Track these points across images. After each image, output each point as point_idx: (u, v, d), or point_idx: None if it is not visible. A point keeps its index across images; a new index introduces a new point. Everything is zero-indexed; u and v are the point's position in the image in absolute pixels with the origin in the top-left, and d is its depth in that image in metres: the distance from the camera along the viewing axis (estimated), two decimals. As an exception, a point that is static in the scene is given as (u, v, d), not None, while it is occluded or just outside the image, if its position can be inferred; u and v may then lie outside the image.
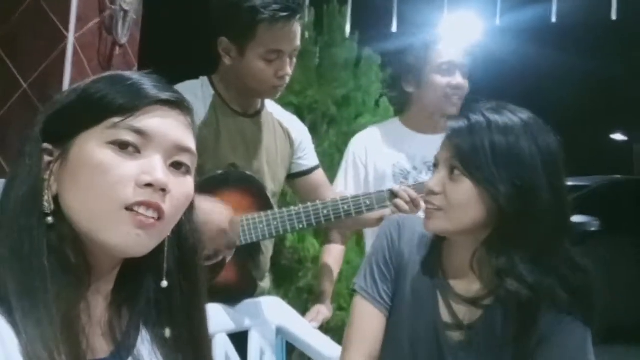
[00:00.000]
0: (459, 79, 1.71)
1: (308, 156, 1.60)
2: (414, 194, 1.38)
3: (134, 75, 0.67)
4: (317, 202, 1.39)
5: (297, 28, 1.40)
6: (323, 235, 2.00)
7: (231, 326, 1.36)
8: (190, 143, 0.67)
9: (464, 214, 0.95)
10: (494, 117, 0.96)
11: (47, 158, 0.64)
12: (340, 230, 1.82)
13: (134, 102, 0.63)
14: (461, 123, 0.97)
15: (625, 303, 4.18)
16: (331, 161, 3.04)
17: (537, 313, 0.94)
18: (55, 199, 0.63)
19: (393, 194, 1.39)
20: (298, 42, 1.42)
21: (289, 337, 1.47)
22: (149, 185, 0.61)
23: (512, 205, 0.92)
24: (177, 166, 0.66)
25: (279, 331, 1.46)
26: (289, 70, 1.42)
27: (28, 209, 0.62)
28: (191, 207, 0.70)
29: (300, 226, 1.38)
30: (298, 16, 1.38)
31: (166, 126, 0.64)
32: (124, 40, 1.74)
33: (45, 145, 0.65)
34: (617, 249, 4.44)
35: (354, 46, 3.51)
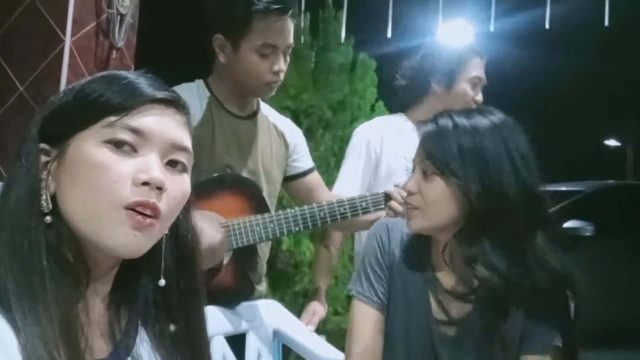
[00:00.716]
0: (480, 95, 1.81)
1: (303, 158, 1.61)
2: None
3: (129, 74, 0.67)
4: (314, 204, 1.40)
5: (291, 25, 1.41)
6: (318, 238, 2.00)
7: (229, 328, 1.36)
8: (186, 141, 0.67)
9: (439, 211, 1.02)
10: (461, 120, 1.03)
11: (44, 158, 0.64)
12: (338, 231, 1.82)
13: (130, 101, 0.63)
14: (430, 127, 1.05)
15: (619, 307, 4.19)
16: (327, 165, 3.06)
17: (510, 302, 1.00)
18: (54, 198, 0.63)
19: (388, 197, 1.40)
20: (291, 40, 1.43)
21: (285, 340, 1.47)
22: (145, 183, 0.61)
23: (481, 200, 0.98)
24: (173, 164, 0.66)
25: (276, 334, 1.46)
26: (284, 66, 1.43)
27: (26, 208, 0.62)
28: (188, 206, 0.70)
29: (297, 229, 1.38)
30: (290, 12, 1.39)
31: (162, 125, 0.64)
32: (120, 43, 1.75)
33: (42, 145, 0.65)
34: (611, 253, 4.46)
35: (349, 51, 3.53)
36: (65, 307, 0.60)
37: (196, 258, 0.72)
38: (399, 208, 1.36)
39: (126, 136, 0.62)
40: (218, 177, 1.39)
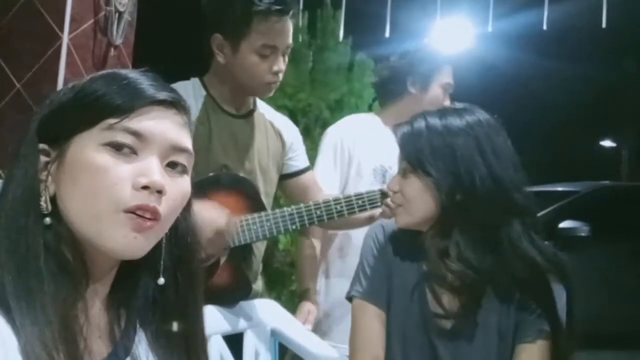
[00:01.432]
0: (448, 101, 1.85)
1: (299, 157, 1.61)
2: None
3: (130, 74, 0.66)
4: (310, 202, 1.40)
5: (290, 25, 1.41)
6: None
7: (226, 328, 1.36)
8: (187, 143, 0.67)
9: (418, 206, 1.09)
10: (434, 121, 1.10)
11: (44, 159, 0.64)
12: (326, 227, 1.77)
13: (130, 102, 0.63)
14: (405, 129, 1.12)
15: (615, 308, 4.21)
16: (324, 164, 3.05)
17: (494, 293, 1.04)
18: (53, 199, 0.63)
19: (384, 194, 1.40)
20: (290, 40, 1.43)
21: (283, 340, 1.47)
22: (145, 187, 0.61)
23: (452, 195, 1.05)
24: (173, 166, 0.65)
25: (273, 333, 1.46)
26: (283, 66, 1.43)
27: (25, 209, 0.62)
28: (188, 206, 0.70)
29: (294, 227, 1.38)
30: (291, 12, 1.39)
31: (162, 127, 0.64)
32: (118, 41, 1.74)
33: (42, 145, 0.64)
34: (607, 254, 4.47)
35: (347, 50, 3.53)
36: (64, 307, 0.59)
37: (195, 257, 0.72)
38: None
39: (126, 139, 0.62)
40: (214, 176, 1.39)
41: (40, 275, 0.59)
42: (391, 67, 1.90)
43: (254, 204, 1.40)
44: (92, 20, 1.68)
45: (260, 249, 1.53)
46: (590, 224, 4.42)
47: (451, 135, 1.07)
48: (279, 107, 2.83)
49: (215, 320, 1.33)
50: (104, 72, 0.68)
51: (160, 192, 0.62)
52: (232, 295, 1.40)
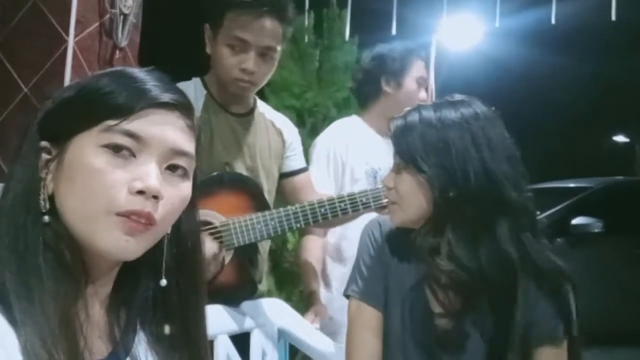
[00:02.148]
0: (424, 94, 1.89)
1: (297, 157, 1.60)
2: None
3: (136, 72, 0.65)
4: (314, 201, 1.39)
5: (269, 24, 1.38)
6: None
7: (233, 327, 1.36)
8: (188, 146, 0.66)
9: (411, 202, 1.05)
10: (428, 114, 1.05)
11: (45, 156, 0.64)
12: (328, 226, 1.76)
13: (132, 103, 0.62)
14: (399, 123, 1.08)
15: (629, 304, 4.16)
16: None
17: (475, 293, 1.01)
18: (52, 197, 0.63)
19: None
20: (268, 41, 1.39)
21: (290, 339, 1.47)
22: (141, 192, 0.61)
23: (444, 191, 1.01)
24: (173, 169, 0.65)
25: (281, 333, 1.45)
26: (252, 66, 1.39)
27: (24, 207, 0.62)
28: (191, 207, 0.69)
29: (298, 225, 1.38)
30: (266, 9, 1.37)
31: (162, 130, 0.63)
32: (123, 43, 1.75)
33: (44, 143, 0.64)
34: (620, 250, 4.43)
35: (353, 49, 3.52)
36: (63, 305, 0.59)
37: (197, 258, 0.72)
38: None
39: (124, 141, 0.61)
40: (217, 175, 1.39)
41: (39, 272, 0.59)
42: (364, 70, 1.95)
43: (258, 202, 1.40)
44: (97, 23, 1.69)
45: (265, 247, 1.53)
46: (603, 220, 4.38)
47: (445, 129, 1.03)
48: (286, 107, 2.83)
49: (222, 319, 1.33)
50: (109, 70, 0.67)
51: (156, 197, 0.61)
52: (238, 294, 1.40)
